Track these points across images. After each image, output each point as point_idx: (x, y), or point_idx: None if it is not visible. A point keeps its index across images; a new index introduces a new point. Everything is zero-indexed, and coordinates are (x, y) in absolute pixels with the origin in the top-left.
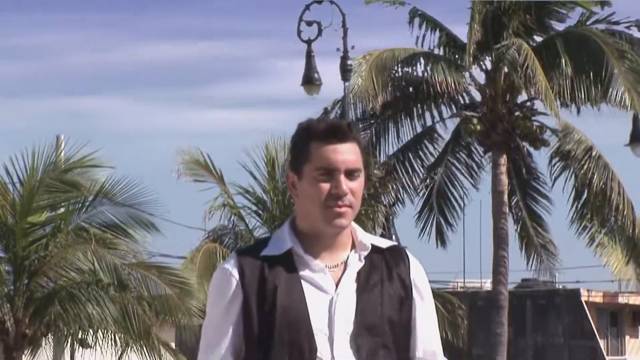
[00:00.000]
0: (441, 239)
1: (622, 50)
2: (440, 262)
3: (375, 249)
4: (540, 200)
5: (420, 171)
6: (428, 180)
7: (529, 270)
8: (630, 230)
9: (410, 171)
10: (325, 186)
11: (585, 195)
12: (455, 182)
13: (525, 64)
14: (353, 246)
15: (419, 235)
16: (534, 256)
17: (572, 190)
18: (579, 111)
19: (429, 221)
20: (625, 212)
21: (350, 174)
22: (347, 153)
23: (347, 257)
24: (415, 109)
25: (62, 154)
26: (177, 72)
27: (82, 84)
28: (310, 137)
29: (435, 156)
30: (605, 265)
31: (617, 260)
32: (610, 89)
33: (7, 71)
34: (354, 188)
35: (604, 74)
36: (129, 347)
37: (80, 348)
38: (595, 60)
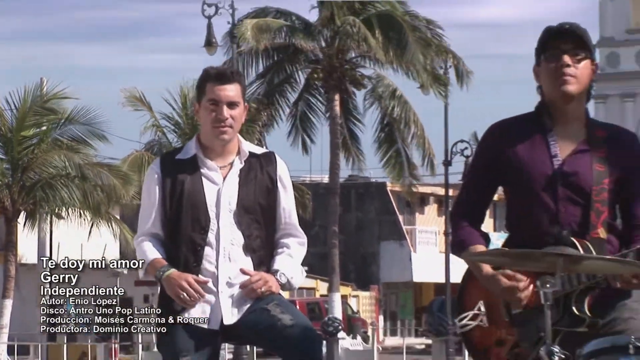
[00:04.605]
0: (305, 149)
1: (415, 25)
2: (295, 164)
3: (253, 154)
4: (357, 124)
5: (286, 105)
6: (293, 111)
7: (349, 168)
8: (424, 144)
9: (279, 103)
10: (213, 113)
11: (387, 121)
12: (311, 112)
13: (359, 33)
14: (239, 153)
15: (291, 145)
16: (352, 159)
17: (378, 117)
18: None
19: (297, 137)
20: (419, 132)
21: (231, 105)
22: (229, 90)
23: (233, 160)
24: (279, 62)
25: (45, 90)
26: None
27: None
28: (206, 79)
29: (295, 95)
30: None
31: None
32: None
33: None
34: (233, 114)
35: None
36: (93, 223)
37: (57, 220)
38: (397, 31)
